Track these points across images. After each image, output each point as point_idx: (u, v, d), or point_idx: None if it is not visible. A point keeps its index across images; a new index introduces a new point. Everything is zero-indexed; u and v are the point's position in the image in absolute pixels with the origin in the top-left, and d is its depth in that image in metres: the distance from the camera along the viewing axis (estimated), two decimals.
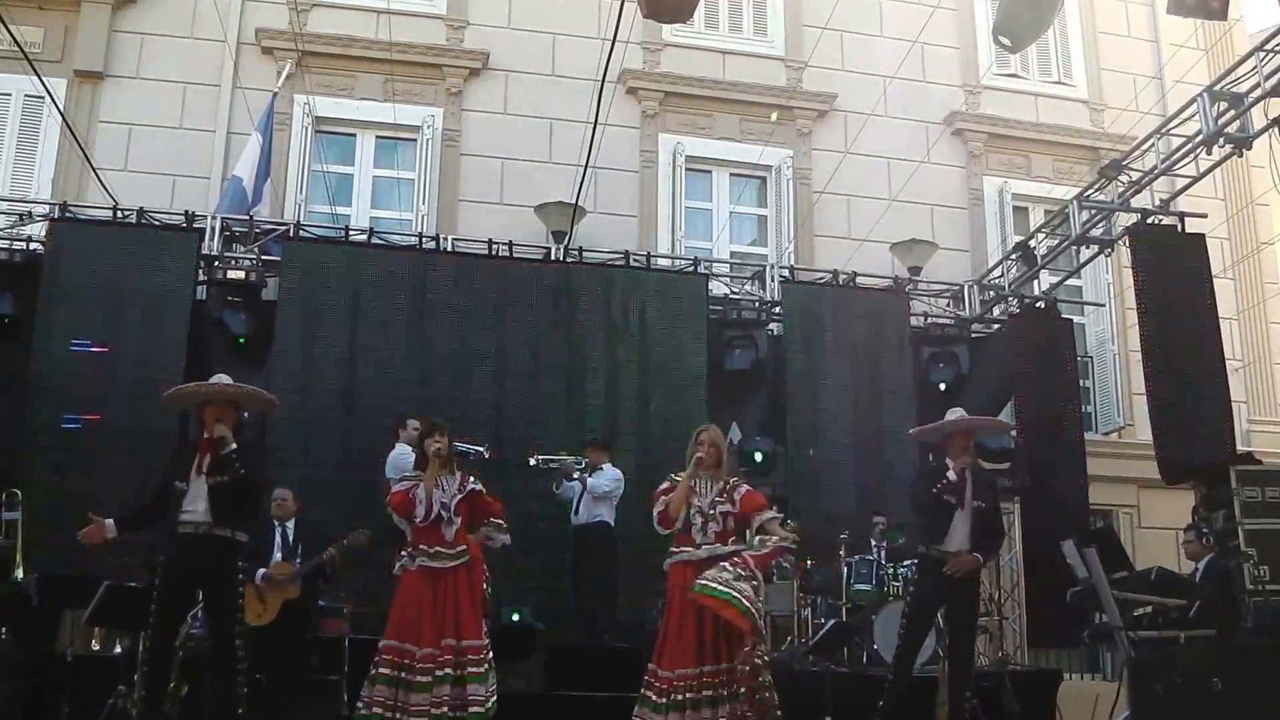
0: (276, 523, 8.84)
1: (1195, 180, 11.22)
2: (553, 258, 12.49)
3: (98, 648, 9.07)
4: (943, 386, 12.71)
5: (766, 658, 6.79)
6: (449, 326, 11.77)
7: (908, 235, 13.99)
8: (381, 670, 6.97)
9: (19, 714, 7.56)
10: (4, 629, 8.25)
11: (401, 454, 9.65)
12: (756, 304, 12.93)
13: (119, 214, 11.60)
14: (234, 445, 6.67)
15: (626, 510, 10.16)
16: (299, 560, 8.66)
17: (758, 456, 11.90)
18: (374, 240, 12.20)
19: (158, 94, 13.37)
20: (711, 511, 6.99)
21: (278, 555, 8.64)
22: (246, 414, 7.83)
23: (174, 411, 8.94)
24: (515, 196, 13.56)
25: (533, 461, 10.11)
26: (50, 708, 7.54)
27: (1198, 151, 10.86)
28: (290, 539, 8.80)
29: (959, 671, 7.76)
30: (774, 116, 14.52)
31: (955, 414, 8.22)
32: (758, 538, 7.10)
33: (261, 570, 8.34)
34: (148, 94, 13.37)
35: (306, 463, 10.94)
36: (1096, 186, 12.03)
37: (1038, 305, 13.02)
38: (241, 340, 11.30)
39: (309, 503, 9.56)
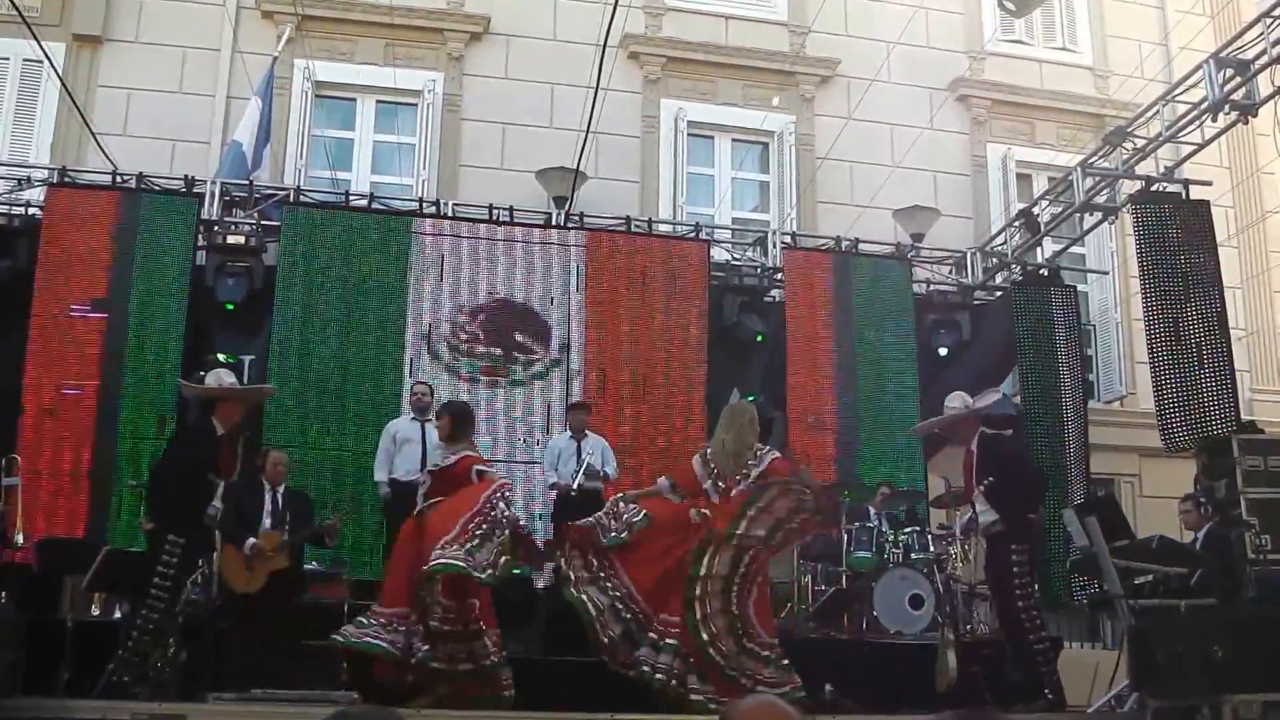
0: (268, 485, 8.72)
1: (1200, 147, 11.14)
2: (554, 223, 12.44)
3: (98, 613, 9.09)
4: (943, 351, 12.73)
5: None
6: (449, 292, 11.74)
7: (910, 202, 13.89)
8: None
9: (19, 680, 7.57)
10: (4, 594, 8.27)
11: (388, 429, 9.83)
12: (758, 270, 12.88)
13: (118, 179, 11.57)
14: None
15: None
16: (286, 528, 8.54)
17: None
18: (374, 205, 12.16)
19: (157, 58, 13.27)
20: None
21: (267, 522, 8.51)
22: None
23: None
24: (516, 162, 13.46)
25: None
26: (50, 673, 7.54)
27: (1203, 119, 10.76)
28: (280, 504, 8.67)
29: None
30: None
31: (957, 400, 8.22)
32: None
33: (251, 540, 8.26)
34: (147, 58, 13.26)
35: (304, 427, 10.99)
36: (1100, 153, 11.95)
37: (1040, 272, 12.96)
38: (235, 306, 11.29)
39: (306, 466, 9.55)
